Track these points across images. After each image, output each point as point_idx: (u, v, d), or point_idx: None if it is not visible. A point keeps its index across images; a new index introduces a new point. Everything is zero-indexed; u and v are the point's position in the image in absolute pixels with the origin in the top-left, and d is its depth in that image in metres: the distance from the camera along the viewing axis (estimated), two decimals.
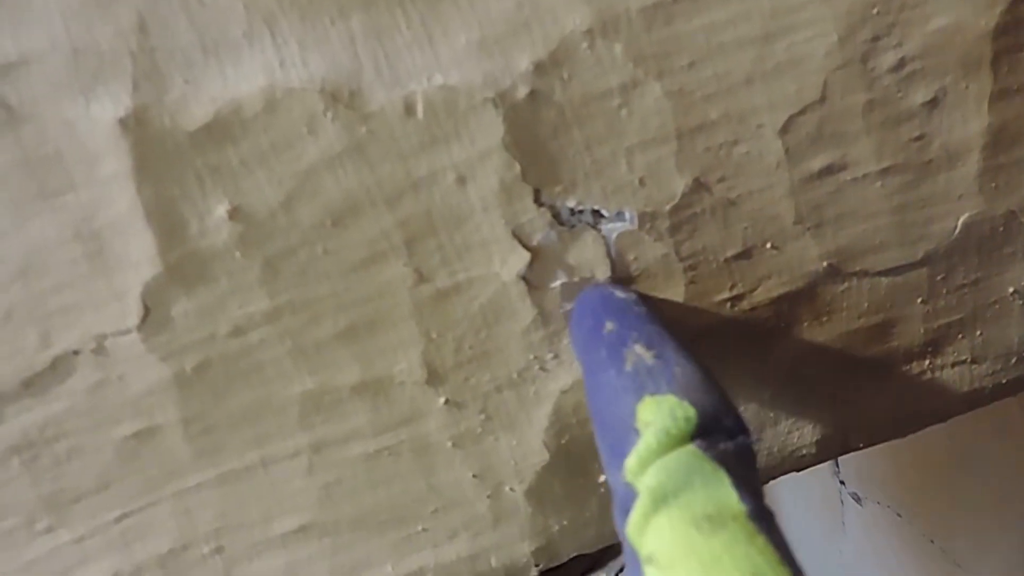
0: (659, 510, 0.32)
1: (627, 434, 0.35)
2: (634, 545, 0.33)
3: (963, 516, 1.14)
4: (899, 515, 1.28)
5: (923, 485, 1.20)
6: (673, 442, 0.34)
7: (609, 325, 0.40)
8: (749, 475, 0.34)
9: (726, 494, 0.32)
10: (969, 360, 0.53)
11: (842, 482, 1.41)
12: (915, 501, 1.24)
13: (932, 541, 1.22)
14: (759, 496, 0.33)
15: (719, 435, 0.34)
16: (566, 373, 0.46)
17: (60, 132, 0.37)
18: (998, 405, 0.97)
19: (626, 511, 0.34)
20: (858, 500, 1.39)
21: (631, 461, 0.34)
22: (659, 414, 0.34)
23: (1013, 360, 0.53)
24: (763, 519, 0.32)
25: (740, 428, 0.36)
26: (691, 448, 0.33)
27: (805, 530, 1.66)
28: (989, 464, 1.04)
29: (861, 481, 1.37)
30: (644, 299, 0.44)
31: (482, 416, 0.46)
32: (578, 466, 0.49)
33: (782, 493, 1.70)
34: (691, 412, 0.34)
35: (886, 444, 1.19)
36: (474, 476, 0.48)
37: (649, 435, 0.34)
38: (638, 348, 0.37)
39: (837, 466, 1.41)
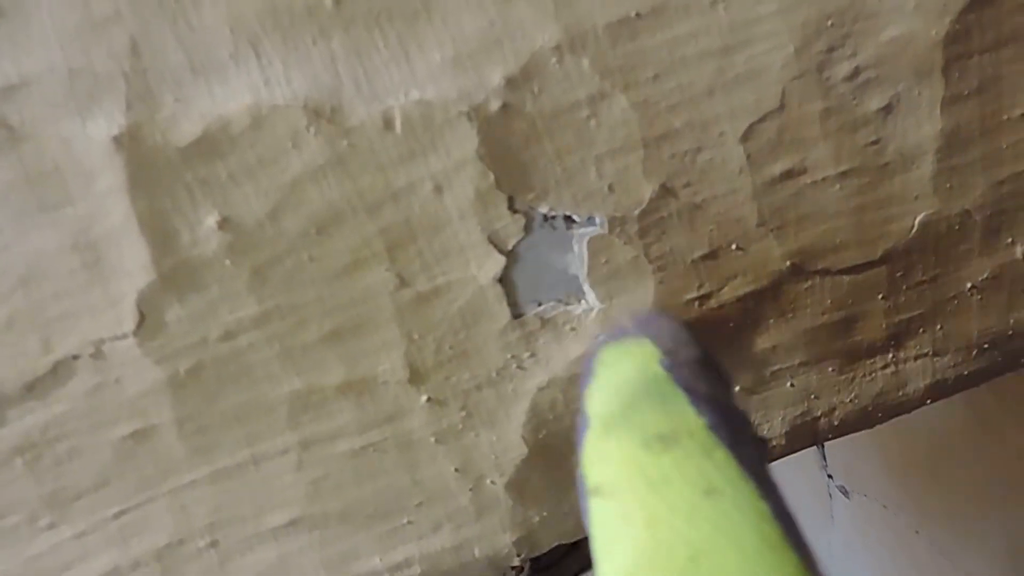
0: (610, 435, 0.30)
1: (589, 376, 0.35)
2: (584, 475, 0.31)
3: (946, 507, 1.16)
4: (885, 507, 1.30)
5: (907, 477, 1.22)
6: (627, 369, 0.32)
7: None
8: (737, 411, 0.32)
9: (682, 410, 0.29)
10: (931, 353, 0.55)
11: (830, 476, 1.43)
12: (900, 493, 1.26)
13: (917, 532, 1.24)
14: (737, 422, 0.30)
15: (687, 371, 0.33)
16: (542, 371, 0.48)
17: (58, 149, 0.39)
18: (976, 398, 0.99)
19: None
20: (846, 493, 1.41)
21: (585, 393, 0.33)
22: (617, 350, 0.35)
23: (974, 352, 0.55)
24: (729, 436, 0.28)
25: (713, 365, 0.34)
26: (653, 370, 0.32)
27: None
28: (969, 455, 1.06)
29: (848, 474, 1.39)
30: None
31: (463, 413, 0.49)
32: (556, 459, 0.51)
33: None
34: (647, 342, 0.33)
35: (872, 439, 1.21)
36: (456, 470, 0.50)
37: (602, 368, 0.34)
38: (621, 321, 0.39)
39: (825, 460, 1.44)
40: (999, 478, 1.04)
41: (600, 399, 0.32)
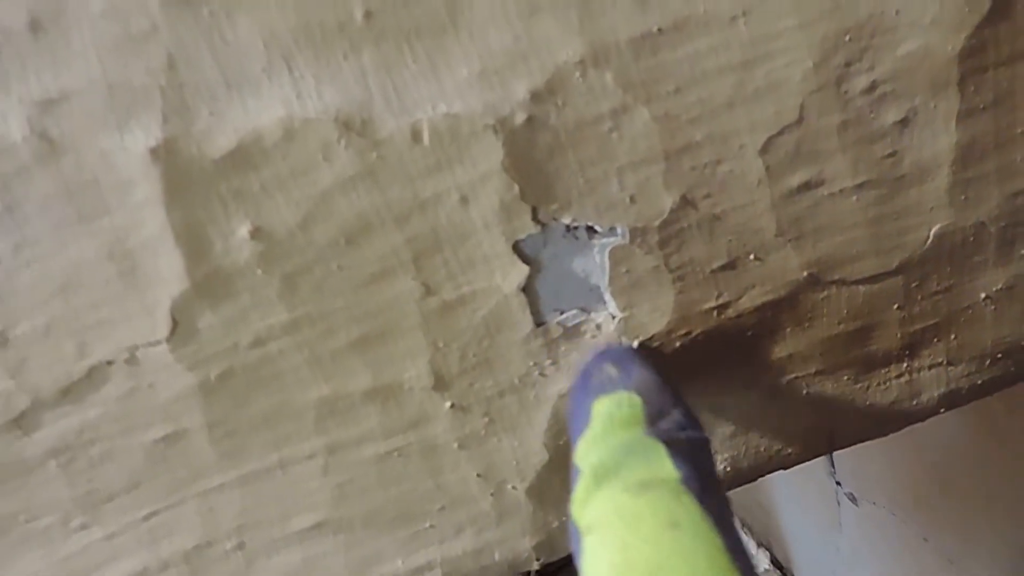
0: (600, 486, 0.34)
1: (583, 427, 0.39)
2: (576, 520, 0.35)
3: (954, 515, 1.16)
4: (893, 514, 1.31)
5: (916, 485, 1.22)
6: (617, 426, 0.37)
7: (593, 359, 0.45)
8: (697, 459, 0.36)
9: (661, 464, 0.34)
10: (945, 363, 0.56)
11: (838, 483, 1.44)
12: (909, 501, 1.26)
13: (925, 539, 1.24)
14: (706, 477, 0.35)
15: (668, 424, 0.38)
16: (564, 378, 0.49)
17: (97, 162, 0.40)
18: (985, 408, 0.99)
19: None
20: (854, 500, 1.42)
21: (579, 444, 0.38)
22: (609, 405, 0.38)
23: (987, 362, 0.56)
24: (698, 487, 0.33)
25: (690, 423, 0.39)
26: (636, 431, 0.37)
27: (803, 529, 1.69)
28: (978, 464, 1.06)
29: (857, 482, 1.39)
30: (643, 346, 0.48)
31: (486, 419, 0.49)
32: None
33: (781, 494, 1.73)
34: (636, 400, 0.38)
35: (880, 446, 1.21)
36: (478, 475, 0.51)
37: (596, 421, 0.38)
38: (607, 367, 0.42)
39: (833, 467, 1.44)
40: (1006, 487, 1.05)
41: (593, 452, 0.36)
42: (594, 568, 0.31)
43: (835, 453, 1.40)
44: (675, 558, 0.29)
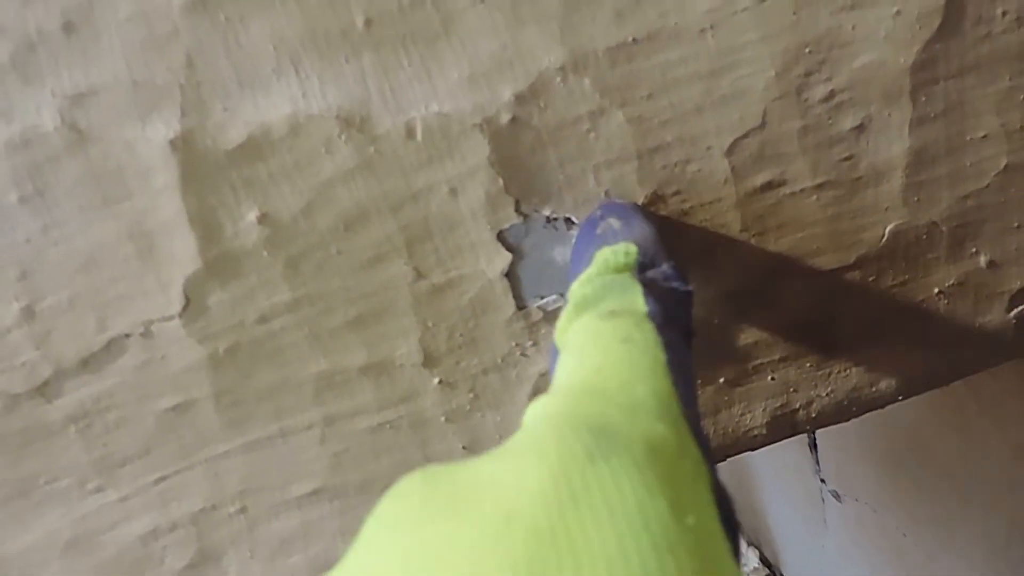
0: (580, 315, 0.37)
1: (582, 270, 0.42)
2: (557, 344, 0.38)
3: (931, 511, 1.20)
4: (875, 511, 1.34)
5: (895, 483, 1.26)
6: (611, 269, 0.40)
7: (600, 212, 0.47)
8: (676, 310, 0.39)
9: (634, 299, 0.37)
10: (902, 352, 0.59)
11: (823, 480, 1.47)
12: (889, 498, 1.30)
13: (905, 535, 1.28)
14: (673, 318, 0.37)
15: (655, 274, 0.40)
16: (544, 359, 0.53)
17: (121, 150, 0.44)
18: (957, 404, 1.03)
19: None
20: (838, 498, 1.45)
21: (575, 283, 0.40)
22: (607, 253, 0.41)
23: (941, 352, 0.60)
24: (662, 321, 0.36)
25: (677, 276, 0.41)
26: (626, 275, 0.39)
27: (790, 526, 1.72)
28: (951, 462, 1.10)
29: (840, 480, 1.43)
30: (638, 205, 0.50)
31: (471, 395, 0.53)
32: None
33: (768, 492, 1.76)
34: (632, 249, 0.40)
35: (861, 445, 1.25)
36: (464, 448, 0.55)
37: (593, 266, 0.41)
38: (611, 220, 0.44)
39: (818, 466, 1.48)
40: (980, 485, 1.08)
41: (583, 288, 0.39)
42: (558, 374, 0.34)
43: (819, 451, 1.44)
44: (619, 363, 0.31)
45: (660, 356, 0.32)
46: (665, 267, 0.41)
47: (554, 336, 0.39)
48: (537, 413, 0.28)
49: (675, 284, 0.41)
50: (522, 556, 0.20)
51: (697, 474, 0.26)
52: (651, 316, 0.36)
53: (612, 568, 0.20)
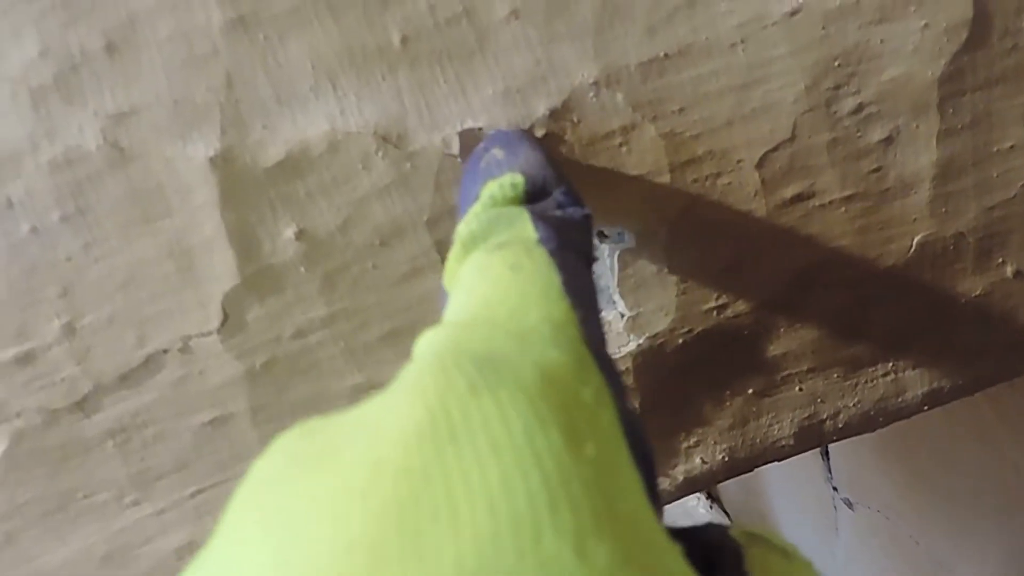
0: (467, 253, 0.35)
1: (469, 202, 0.39)
2: (446, 288, 0.36)
3: (945, 519, 1.20)
4: (888, 519, 1.35)
5: (909, 490, 1.26)
6: (498, 203, 0.37)
7: (484, 144, 0.44)
8: (571, 235, 0.36)
9: (523, 227, 0.34)
10: (928, 363, 0.60)
11: (835, 488, 1.47)
12: (902, 505, 1.30)
13: (918, 543, 1.28)
14: (567, 241, 0.34)
15: (549, 203, 0.38)
16: None
17: (162, 169, 0.45)
18: (974, 411, 1.04)
19: None
20: (850, 505, 1.46)
21: (460, 222, 0.37)
22: (493, 187, 0.38)
23: (967, 363, 0.60)
24: (555, 245, 0.33)
25: (571, 201, 0.38)
26: (514, 206, 0.37)
27: (800, 533, 1.72)
28: (967, 469, 1.10)
29: (853, 487, 1.43)
30: (526, 130, 0.47)
31: None
32: None
33: (780, 499, 1.76)
34: (519, 179, 0.38)
35: (875, 453, 1.25)
36: None
37: (478, 202, 0.38)
38: (495, 151, 0.41)
39: (830, 473, 1.48)
40: (995, 491, 1.08)
41: (468, 225, 0.36)
42: (446, 314, 0.32)
43: (831, 458, 1.44)
44: (509, 290, 0.29)
45: (554, 279, 0.29)
46: (557, 193, 0.38)
47: (443, 279, 0.37)
48: (422, 348, 0.26)
49: (567, 211, 0.38)
50: (392, 504, 0.18)
51: (599, 401, 0.23)
52: (542, 241, 0.33)
53: (495, 508, 0.18)
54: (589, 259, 0.37)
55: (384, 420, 0.21)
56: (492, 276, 0.30)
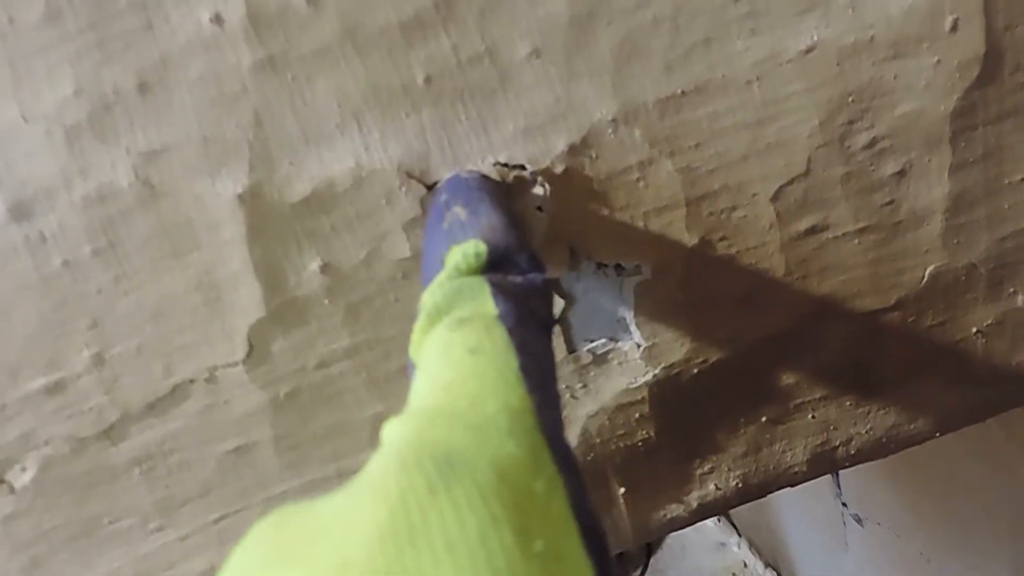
0: (433, 325, 0.36)
1: (433, 276, 0.40)
2: (412, 359, 0.37)
3: (955, 536, 1.20)
4: (898, 535, 1.35)
5: (919, 507, 1.26)
6: (461, 272, 0.38)
7: (445, 197, 0.44)
8: (531, 303, 0.37)
9: (483, 302, 0.35)
10: (939, 391, 0.60)
11: (844, 504, 1.48)
12: (912, 522, 1.30)
13: (928, 560, 1.28)
14: (527, 314, 0.36)
15: (511, 270, 0.39)
16: (592, 400, 0.55)
17: (191, 204, 0.46)
18: (985, 434, 1.04)
19: None
20: (859, 522, 1.46)
21: (426, 292, 0.38)
22: (456, 255, 0.39)
23: (978, 390, 0.61)
24: (513, 321, 0.34)
25: (533, 267, 0.40)
26: (476, 277, 0.38)
27: (810, 549, 1.72)
28: (976, 487, 1.10)
29: (862, 504, 1.43)
30: (486, 178, 0.48)
31: None
32: (602, 480, 0.57)
33: (789, 515, 1.76)
34: (482, 248, 0.39)
35: (885, 471, 1.25)
36: None
37: (443, 271, 0.39)
38: (456, 209, 0.42)
39: (839, 489, 1.48)
40: (1003, 509, 1.08)
41: (433, 296, 0.37)
42: (411, 394, 0.33)
43: (841, 476, 1.44)
44: (468, 377, 0.30)
45: (512, 362, 0.31)
46: (519, 259, 0.40)
47: (409, 349, 0.38)
48: (390, 437, 0.27)
49: (531, 276, 0.39)
50: None
51: (551, 492, 0.25)
52: (501, 318, 0.34)
53: None
54: (549, 327, 0.39)
55: (351, 518, 0.22)
56: (453, 360, 0.32)
